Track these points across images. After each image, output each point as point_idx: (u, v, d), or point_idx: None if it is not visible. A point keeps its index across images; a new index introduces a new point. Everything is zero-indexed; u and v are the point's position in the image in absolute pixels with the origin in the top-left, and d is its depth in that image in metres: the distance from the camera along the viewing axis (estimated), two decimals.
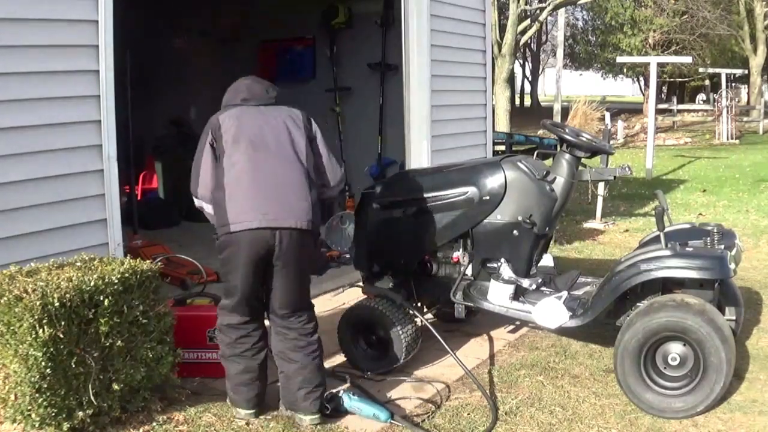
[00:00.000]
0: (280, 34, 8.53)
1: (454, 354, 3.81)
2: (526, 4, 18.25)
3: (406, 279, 4.27)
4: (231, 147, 3.23)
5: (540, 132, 14.02)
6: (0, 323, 2.96)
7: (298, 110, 3.43)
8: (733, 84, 23.60)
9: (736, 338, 3.85)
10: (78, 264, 3.34)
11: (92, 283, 3.06)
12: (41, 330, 2.87)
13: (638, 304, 3.73)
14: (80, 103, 3.91)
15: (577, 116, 17.85)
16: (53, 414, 2.98)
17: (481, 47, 7.11)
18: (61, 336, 2.94)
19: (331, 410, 3.43)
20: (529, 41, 29.76)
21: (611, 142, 17.15)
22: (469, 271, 4.14)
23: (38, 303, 2.88)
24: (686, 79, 29.24)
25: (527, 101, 42.21)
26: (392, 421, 3.38)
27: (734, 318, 4.02)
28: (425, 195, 4.13)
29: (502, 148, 8.89)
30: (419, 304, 4.34)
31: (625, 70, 32.38)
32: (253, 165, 3.20)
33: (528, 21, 18.90)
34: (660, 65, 17.53)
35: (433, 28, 6.25)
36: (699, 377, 3.39)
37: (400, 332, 3.92)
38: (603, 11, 28.71)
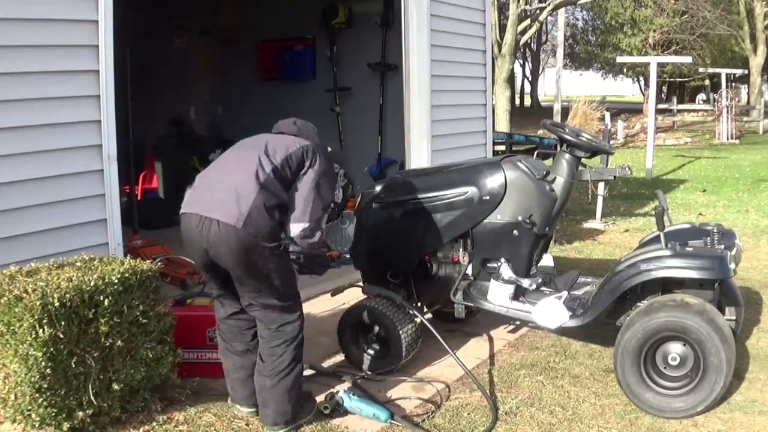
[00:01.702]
0: (280, 34, 8.53)
1: (454, 354, 3.81)
2: (526, 4, 18.25)
3: (406, 279, 4.27)
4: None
5: (540, 132, 14.02)
6: (0, 323, 2.96)
7: (309, 142, 3.26)
8: (733, 84, 23.61)
9: (736, 338, 3.85)
10: (78, 264, 3.34)
11: (92, 283, 3.06)
12: (41, 330, 2.87)
13: (638, 304, 3.73)
14: (80, 103, 3.92)
15: (577, 116, 17.87)
16: (53, 414, 2.98)
17: (481, 47, 7.11)
18: (61, 336, 2.94)
19: (331, 410, 3.43)
20: (529, 41, 29.76)
21: (611, 142, 17.15)
22: (469, 271, 4.14)
23: (38, 303, 2.88)
24: (686, 79, 29.25)
25: (527, 101, 42.22)
26: (392, 421, 3.38)
27: (734, 318, 4.01)
28: (425, 195, 4.13)
29: (502, 148, 8.89)
30: (419, 304, 4.34)
31: (625, 70, 32.39)
32: (216, 166, 3.29)
33: (528, 21, 18.90)
34: (660, 65, 17.52)
35: (433, 28, 6.25)
36: (699, 377, 3.39)
37: (400, 332, 3.92)
38: (603, 11, 28.74)
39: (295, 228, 3.15)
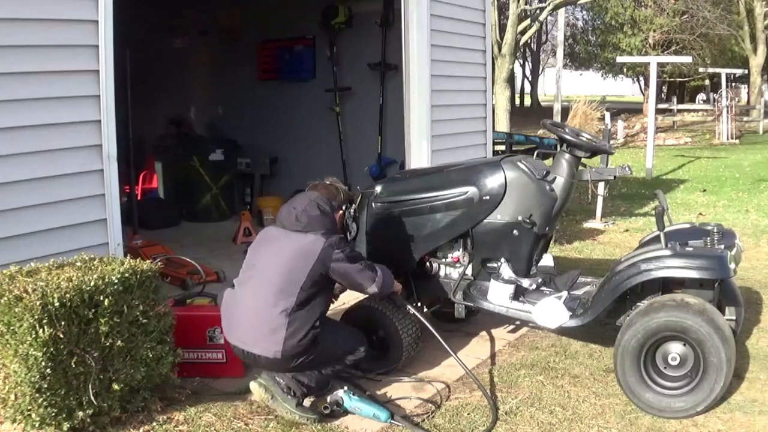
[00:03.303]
0: (280, 34, 8.53)
1: (455, 354, 3.80)
2: (526, 4, 18.23)
3: (406, 279, 4.27)
4: (247, 262, 3.56)
5: (540, 132, 14.02)
6: (0, 323, 2.96)
7: (321, 242, 3.40)
8: (733, 84, 23.61)
9: (736, 338, 3.85)
10: (78, 264, 3.34)
11: (92, 283, 3.06)
12: (41, 330, 2.87)
13: (638, 303, 3.73)
14: (80, 103, 3.92)
15: (577, 116, 17.82)
16: (53, 414, 2.98)
17: (481, 47, 7.11)
18: (61, 336, 2.94)
19: (331, 410, 3.43)
20: (529, 41, 29.77)
21: (611, 142, 17.14)
22: (469, 271, 4.14)
23: (38, 303, 2.88)
24: (686, 79, 29.27)
25: (527, 101, 42.25)
26: (392, 421, 3.38)
27: (734, 318, 4.01)
28: (425, 195, 4.13)
29: (502, 148, 8.89)
30: (419, 304, 4.33)
31: (625, 70, 32.40)
32: (245, 288, 3.46)
33: (528, 21, 18.87)
34: (660, 65, 17.53)
35: (433, 28, 6.25)
36: (699, 377, 3.39)
37: (400, 332, 3.92)
38: (603, 11, 28.72)
39: (372, 286, 3.56)
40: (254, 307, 3.38)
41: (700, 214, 8.81)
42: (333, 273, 3.42)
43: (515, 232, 3.96)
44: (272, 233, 3.54)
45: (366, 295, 3.82)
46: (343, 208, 3.79)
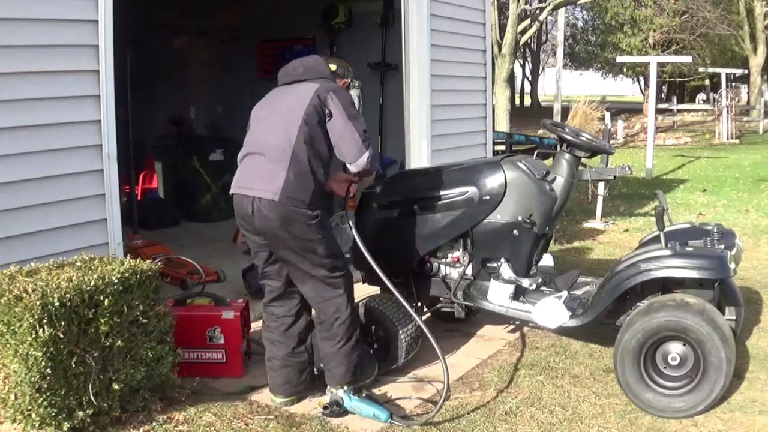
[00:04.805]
0: (280, 34, 8.53)
1: (440, 349, 3.79)
2: (526, 4, 18.23)
3: (406, 279, 4.27)
4: (251, 122, 3.56)
5: (540, 132, 14.02)
6: (0, 323, 2.96)
7: (317, 86, 3.39)
8: (733, 84, 23.62)
9: (736, 338, 3.85)
10: (78, 264, 3.34)
11: (92, 283, 3.06)
12: (41, 330, 2.87)
13: (638, 303, 3.73)
14: (80, 103, 3.91)
15: (577, 116, 17.84)
16: (53, 414, 2.98)
17: (481, 47, 7.11)
18: (61, 336, 2.94)
19: (331, 410, 3.43)
20: (529, 41, 29.77)
21: (611, 142, 17.14)
22: (469, 271, 4.14)
23: (38, 303, 2.88)
24: (686, 79, 29.28)
25: (527, 101, 42.24)
26: (392, 421, 3.38)
27: (734, 318, 4.01)
28: (425, 195, 4.13)
29: (502, 147, 8.89)
30: (419, 304, 4.34)
31: (625, 70, 32.41)
32: (249, 139, 3.49)
33: (528, 21, 18.88)
34: (660, 65, 17.54)
35: (433, 28, 6.25)
36: (699, 377, 3.39)
37: (400, 332, 3.92)
38: (603, 11, 28.74)
39: (360, 163, 3.41)
40: (257, 152, 3.39)
41: (700, 214, 8.81)
42: (327, 113, 3.35)
43: (515, 232, 3.96)
44: (272, 94, 3.58)
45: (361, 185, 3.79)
46: (348, 80, 3.71)
